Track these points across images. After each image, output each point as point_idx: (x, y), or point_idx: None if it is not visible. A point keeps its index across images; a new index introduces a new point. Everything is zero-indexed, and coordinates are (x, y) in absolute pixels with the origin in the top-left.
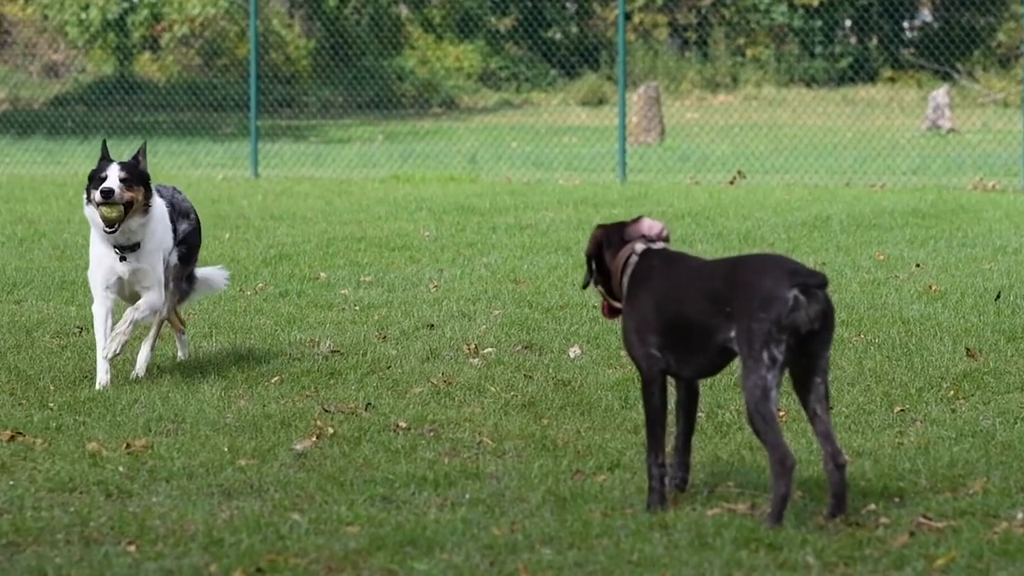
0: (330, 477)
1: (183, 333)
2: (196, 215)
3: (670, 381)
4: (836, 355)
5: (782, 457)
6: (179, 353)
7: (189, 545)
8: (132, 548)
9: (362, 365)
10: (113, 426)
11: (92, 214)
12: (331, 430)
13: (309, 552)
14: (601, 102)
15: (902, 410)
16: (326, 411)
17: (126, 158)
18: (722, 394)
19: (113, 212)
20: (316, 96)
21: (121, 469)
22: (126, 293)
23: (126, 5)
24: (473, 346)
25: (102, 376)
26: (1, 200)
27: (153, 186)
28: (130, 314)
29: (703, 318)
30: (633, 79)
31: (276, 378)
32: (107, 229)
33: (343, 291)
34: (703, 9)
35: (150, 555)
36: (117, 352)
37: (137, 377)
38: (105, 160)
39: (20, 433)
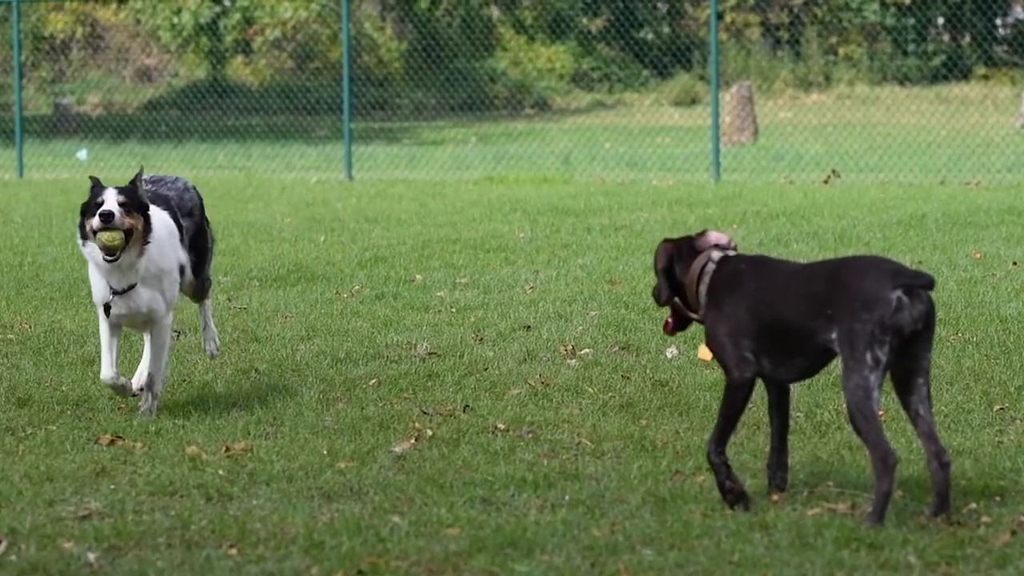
0: (429, 479)
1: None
2: (202, 213)
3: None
4: (935, 354)
5: (884, 455)
6: (207, 347)
7: (290, 548)
8: (233, 551)
9: (459, 367)
10: (212, 429)
11: (90, 250)
12: (430, 432)
13: (410, 554)
14: (694, 102)
15: (1001, 408)
16: (424, 413)
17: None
18: (820, 393)
19: (115, 239)
20: (409, 98)
21: (221, 472)
22: (137, 326)
23: (218, 9)
24: (570, 347)
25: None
26: None
27: (155, 197)
28: (152, 363)
29: (803, 320)
30: (725, 79)
31: (374, 380)
32: (107, 258)
33: (439, 293)
34: (795, 8)
35: (251, 558)
36: (152, 409)
37: (213, 355)
38: (99, 187)
39: (120, 437)
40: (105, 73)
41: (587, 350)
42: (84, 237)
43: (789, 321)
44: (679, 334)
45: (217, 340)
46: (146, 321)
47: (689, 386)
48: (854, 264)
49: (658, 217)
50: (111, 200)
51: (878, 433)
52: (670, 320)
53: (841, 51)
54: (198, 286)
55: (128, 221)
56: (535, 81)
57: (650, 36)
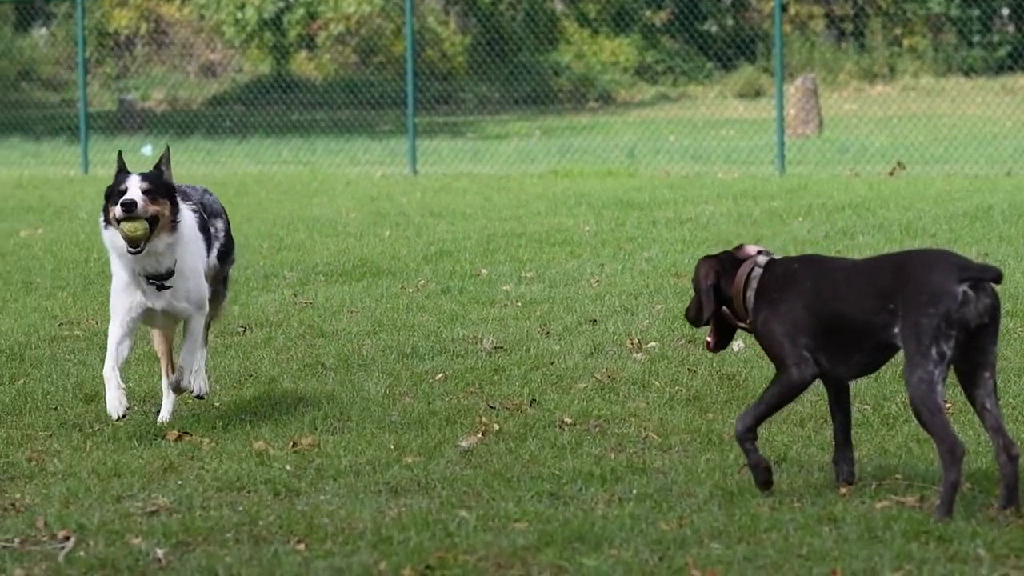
0: (497, 474)
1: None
2: (227, 216)
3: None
4: (1002, 346)
5: (951, 446)
6: (164, 409)
7: (357, 543)
8: (301, 546)
9: (525, 361)
10: (279, 425)
11: (112, 237)
12: (496, 427)
13: (477, 549)
14: (758, 94)
15: None
16: (491, 408)
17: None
18: (888, 386)
19: (138, 229)
20: (472, 92)
21: (288, 468)
22: (158, 324)
23: (282, 4)
24: (636, 341)
25: (114, 404)
26: None
27: (179, 194)
28: (192, 357)
29: (866, 316)
30: (790, 71)
31: (440, 375)
32: (131, 250)
33: (505, 287)
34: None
35: (319, 553)
36: (204, 391)
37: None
38: (123, 172)
39: (187, 433)
40: (169, 69)
41: (653, 343)
42: (108, 223)
43: (851, 317)
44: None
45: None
46: (176, 317)
47: (756, 379)
48: (919, 257)
49: (723, 210)
50: (134, 188)
51: (944, 425)
52: (711, 339)
53: (906, 42)
54: (216, 278)
55: (153, 208)
56: (599, 74)
57: (714, 28)
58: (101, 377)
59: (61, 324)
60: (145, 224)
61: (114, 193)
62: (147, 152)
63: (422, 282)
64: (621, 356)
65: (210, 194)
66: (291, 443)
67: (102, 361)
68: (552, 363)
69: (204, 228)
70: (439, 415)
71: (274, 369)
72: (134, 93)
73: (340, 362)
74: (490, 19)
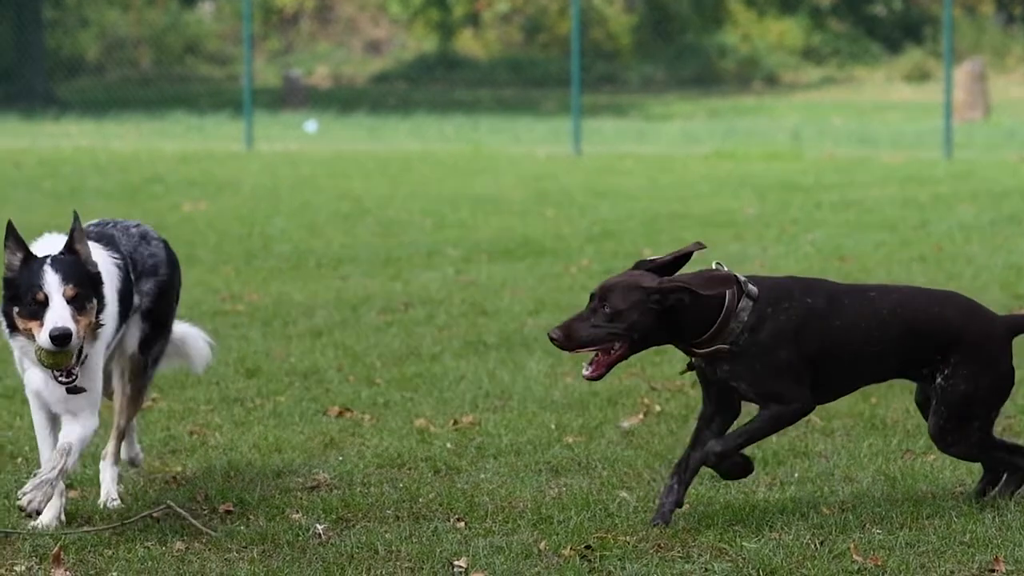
0: (658, 455)
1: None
2: (170, 268)
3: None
4: None
5: None
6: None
7: (517, 522)
8: (461, 524)
9: None
10: (440, 403)
11: (22, 346)
12: (658, 408)
13: (638, 530)
14: (925, 78)
15: None
16: (653, 389)
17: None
18: None
19: (67, 357)
20: (637, 72)
21: (449, 446)
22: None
23: None
24: None
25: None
26: (326, 176)
27: (103, 239)
28: (57, 461)
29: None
30: (957, 55)
31: None
32: (63, 380)
33: None
34: None
35: (479, 531)
36: (38, 508)
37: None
38: (30, 260)
39: (348, 409)
40: (334, 45)
41: None
42: (12, 328)
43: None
44: None
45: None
46: (72, 409)
47: None
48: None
49: (889, 194)
50: (58, 304)
51: None
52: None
53: None
54: (135, 371)
55: (85, 321)
56: (764, 56)
57: (882, 11)
58: (263, 352)
59: (223, 298)
60: (73, 352)
61: (24, 295)
62: (310, 129)
63: (585, 262)
64: None
65: (148, 242)
66: (452, 421)
67: (264, 336)
68: None
69: (126, 295)
70: (600, 395)
71: (435, 347)
72: (298, 69)
73: (502, 340)
74: None
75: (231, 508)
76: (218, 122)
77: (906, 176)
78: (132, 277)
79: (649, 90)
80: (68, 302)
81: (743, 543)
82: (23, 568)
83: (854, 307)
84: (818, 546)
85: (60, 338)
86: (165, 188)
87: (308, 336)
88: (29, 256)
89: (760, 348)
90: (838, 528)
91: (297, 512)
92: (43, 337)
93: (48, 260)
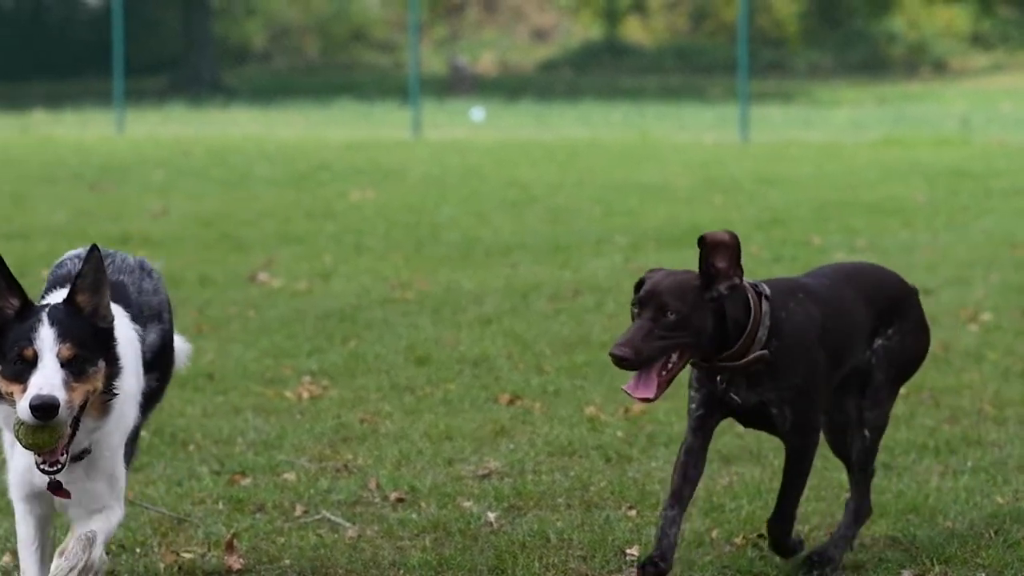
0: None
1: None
2: (169, 310)
3: None
4: None
5: None
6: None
7: (689, 510)
8: (632, 512)
9: None
10: (611, 391)
11: (5, 415)
12: None
13: (811, 518)
14: None
15: None
16: None
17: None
18: None
19: (51, 440)
20: (804, 59)
21: (619, 434)
22: (58, 509)
23: None
24: (971, 311)
25: None
26: (493, 164)
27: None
28: (79, 556)
29: None
30: None
31: None
32: (43, 466)
33: (836, 256)
34: None
35: (650, 520)
36: None
37: None
38: (26, 308)
39: (519, 397)
40: (500, 33)
41: (988, 315)
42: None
43: None
44: None
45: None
46: (95, 507)
47: None
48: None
49: None
50: (51, 366)
51: None
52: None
53: None
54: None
55: (82, 390)
56: (932, 42)
57: None
58: (433, 340)
59: (392, 286)
60: (64, 429)
61: (10, 352)
62: (477, 116)
63: (754, 249)
64: (955, 327)
65: (149, 276)
66: (622, 409)
67: (434, 323)
68: None
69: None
70: None
71: (605, 334)
72: (464, 56)
73: None
74: None
75: (403, 496)
76: (385, 110)
77: None
78: (141, 331)
79: (816, 77)
80: (63, 364)
81: (916, 532)
82: (196, 554)
83: (832, 295)
84: (992, 535)
85: (42, 408)
86: (332, 176)
87: (477, 324)
88: (26, 304)
89: (794, 353)
90: (1012, 517)
91: (468, 500)
92: (22, 405)
93: (47, 310)
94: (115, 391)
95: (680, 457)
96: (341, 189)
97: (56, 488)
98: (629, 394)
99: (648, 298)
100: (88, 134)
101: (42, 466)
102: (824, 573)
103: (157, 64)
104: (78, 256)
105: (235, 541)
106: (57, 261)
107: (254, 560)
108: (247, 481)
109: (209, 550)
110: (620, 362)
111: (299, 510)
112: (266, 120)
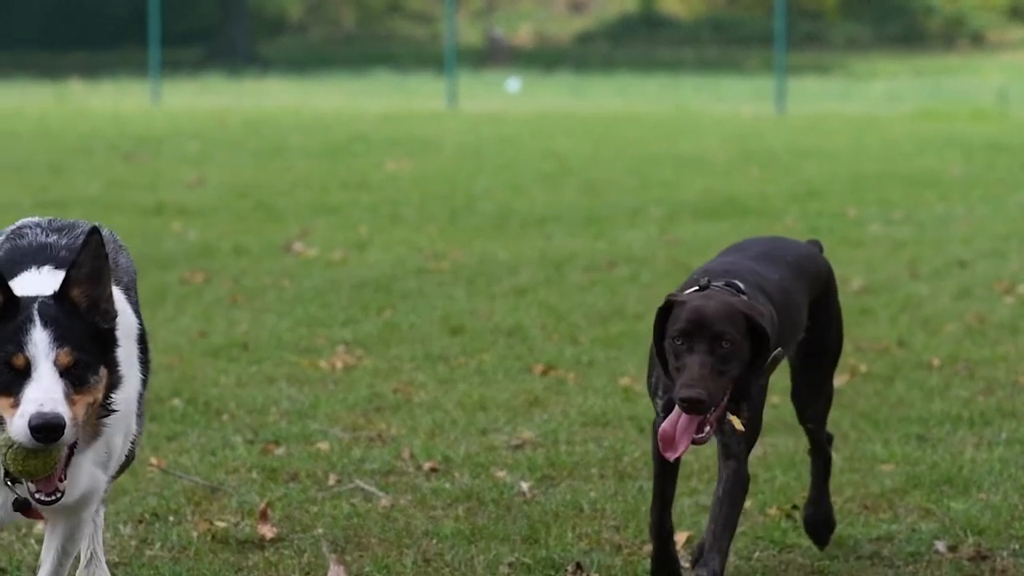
0: (864, 415)
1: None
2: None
3: None
4: None
5: None
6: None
7: None
8: None
9: (893, 303)
10: (645, 361)
11: None
12: (864, 367)
13: (844, 490)
14: None
15: None
16: (858, 349)
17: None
18: None
19: (48, 460)
20: (841, 31)
21: None
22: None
23: None
24: (1006, 284)
25: None
26: (529, 135)
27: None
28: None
29: None
30: None
31: None
32: (38, 496)
33: (872, 228)
34: None
35: (684, 491)
36: None
37: None
38: (11, 303)
39: (552, 367)
40: (536, 4)
41: (1023, 287)
42: None
43: None
44: None
45: None
46: (73, 509)
47: None
48: None
49: None
50: (46, 377)
51: None
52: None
53: None
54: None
55: (81, 407)
56: (970, 15)
57: None
58: (467, 310)
59: (427, 257)
60: (62, 451)
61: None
62: (513, 88)
63: (789, 221)
64: (991, 299)
65: (123, 249)
66: None
67: (468, 294)
68: (920, 305)
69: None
70: None
71: (639, 306)
72: (501, 28)
73: None
74: None
75: (436, 466)
76: (421, 81)
77: None
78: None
79: (853, 49)
80: (62, 374)
81: (950, 503)
82: (230, 523)
83: (779, 278)
84: None
85: (45, 429)
86: (368, 147)
87: (512, 294)
88: (12, 299)
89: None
90: None
91: (502, 470)
92: (16, 425)
93: (37, 307)
94: (113, 407)
95: (658, 483)
96: (377, 160)
97: (24, 508)
98: (662, 446)
99: (696, 328)
100: (124, 105)
101: (37, 495)
102: None
103: (193, 35)
104: (38, 225)
105: (268, 510)
106: (13, 227)
107: (287, 529)
108: (281, 450)
109: (242, 519)
110: (696, 406)
111: (332, 479)
112: (302, 91)
